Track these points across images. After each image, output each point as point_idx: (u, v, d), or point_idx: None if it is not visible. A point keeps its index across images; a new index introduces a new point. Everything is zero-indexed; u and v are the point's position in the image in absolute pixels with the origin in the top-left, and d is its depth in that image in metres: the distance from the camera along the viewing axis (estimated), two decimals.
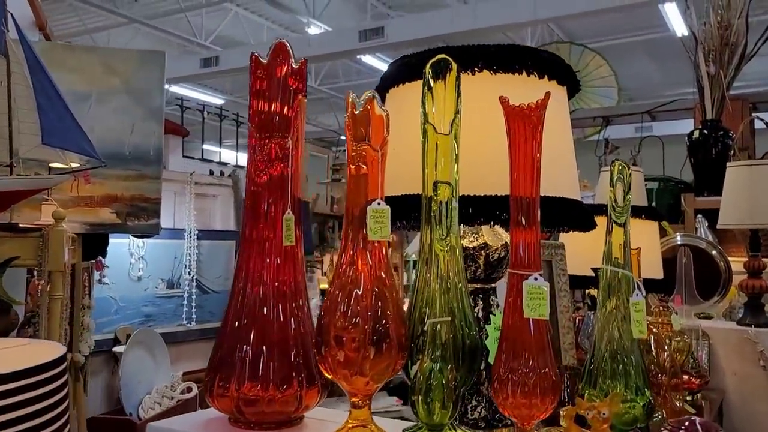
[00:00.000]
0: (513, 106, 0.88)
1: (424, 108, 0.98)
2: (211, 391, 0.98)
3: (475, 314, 1.31)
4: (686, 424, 0.83)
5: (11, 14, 1.95)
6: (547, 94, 0.89)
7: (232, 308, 1.01)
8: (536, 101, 0.88)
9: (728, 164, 2.93)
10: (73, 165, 2.12)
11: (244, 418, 0.98)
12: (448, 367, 0.88)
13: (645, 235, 2.58)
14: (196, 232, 3.29)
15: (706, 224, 3.49)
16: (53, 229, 2.01)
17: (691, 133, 3.90)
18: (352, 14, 7.93)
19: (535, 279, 0.86)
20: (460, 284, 0.99)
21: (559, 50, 4.94)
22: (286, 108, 1.03)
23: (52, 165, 2.21)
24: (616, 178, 0.87)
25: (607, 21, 6.60)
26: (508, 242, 1.34)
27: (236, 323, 1.00)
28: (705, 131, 3.81)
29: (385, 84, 1.33)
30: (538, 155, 0.88)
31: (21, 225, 2.04)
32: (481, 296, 1.33)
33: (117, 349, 2.70)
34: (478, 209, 1.16)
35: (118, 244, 2.91)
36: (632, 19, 7.04)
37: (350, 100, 0.94)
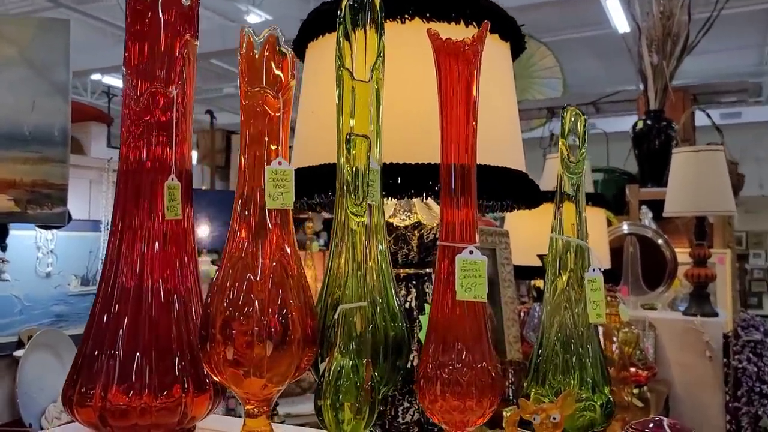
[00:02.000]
0: (444, 39, 0.71)
1: (339, 51, 0.80)
2: (70, 400, 0.78)
3: (407, 302, 1.15)
4: (651, 425, 0.68)
5: None
6: (485, 25, 0.72)
7: (99, 302, 0.81)
8: (472, 36, 0.71)
9: (674, 150, 2.87)
10: None
11: None
12: (364, 363, 0.70)
13: (592, 223, 2.47)
14: None
15: (651, 215, 3.43)
16: None
17: (635, 123, 3.86)
18: (295, 3, 7.69)
19: (471, 252, 0.69)
20: (383, 265, 0.82)
21: None
22: (169, 49, 0.83)
23: None
24: (568, 127, 0.70)
25: (549, 16, 6.58)
26: None
27: (103, 318, 0.80)
28: (648, 122, 3.77)
29: (303, 37, 1.14)
30: (474, 100, 0.71)
31: None
32: (414, 282, 1.17)
33: (18, 353, 2.43)
34: (409, 179, 0.99)
35: (22, 237, 2.61)
36: (574, 15, 7.05)
37: (245, 35, 0.76)
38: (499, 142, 1.14)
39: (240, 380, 0.72)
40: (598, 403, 0.68)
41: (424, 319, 0.96)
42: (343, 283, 0.73)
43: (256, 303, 0.72)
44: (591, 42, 7.87)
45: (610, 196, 3.93)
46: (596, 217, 2.51)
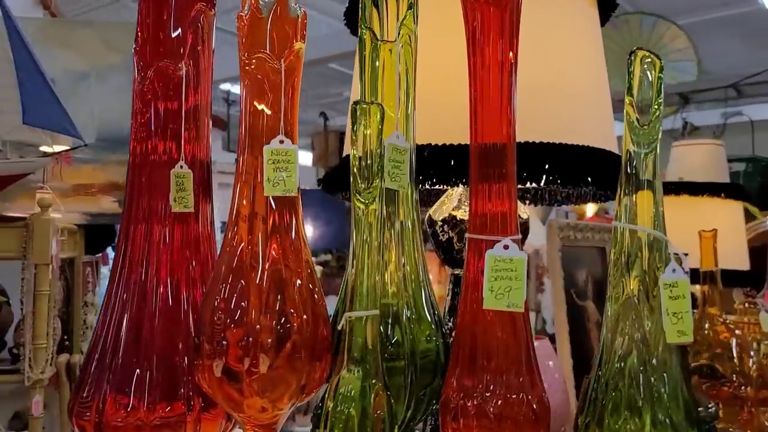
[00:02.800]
0: None
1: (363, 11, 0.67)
2: (71, 411, 0.70)
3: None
4: None
5: None
6: None
7: (105, 304, 0.74)
8: None
9: None
10: (59, 147, 1.93)
11: None
12: (374, 385, 0.56)
13: (725, 217, 2.15)
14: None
15: None
16: (38, 219, 1.82)
17: None
18: None
19: (506, 248, 0.53)
20: (414, 266, 0.67)
21: (628, 22, 4.44)
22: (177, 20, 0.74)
23: (43, 148, 2.04)
24: (638, 73, 0.50)
25: None
26: (520, 213, 1.01)
27: (106, 321, 0.72)
28: None
29: None
30: (511, 58, 0.55)
31: (3, 214, 1.86)
32: None
33: None
34: (459, 162, 0.83)
35: None
36: None
37: None
38: (583, 118, 0.95)
39: (235, 400, 0.61)
40: None
41: None
42: (357, 285, 0.60)
43: (250, 308, 0.60)
44: (732, 21, 7.11)
45: (754, 188, 3.48)
46: (731, 211, 2.19)
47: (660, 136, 0.51)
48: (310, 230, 3.27)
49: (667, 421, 0.50)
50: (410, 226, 0.67)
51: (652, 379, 0.51)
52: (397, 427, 0.57)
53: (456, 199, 1.02)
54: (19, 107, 1.87)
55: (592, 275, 1.75)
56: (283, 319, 0.60)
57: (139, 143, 0.75)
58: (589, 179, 0.84)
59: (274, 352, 0.60)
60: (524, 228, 1.03)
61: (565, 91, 0.88)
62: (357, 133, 0.58)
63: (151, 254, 0.73)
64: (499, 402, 0.52)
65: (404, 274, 0.66)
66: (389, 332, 0.62)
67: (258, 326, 0.60)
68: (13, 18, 1.94)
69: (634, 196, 0.54)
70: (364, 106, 0.59)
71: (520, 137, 0.79)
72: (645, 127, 0.51)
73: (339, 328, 0.58)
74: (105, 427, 0.67)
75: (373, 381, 0.57)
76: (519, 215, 0.88)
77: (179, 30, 0.74)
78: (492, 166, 0.56)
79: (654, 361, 0.51)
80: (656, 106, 0.51)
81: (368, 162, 0.58)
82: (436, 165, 0.84)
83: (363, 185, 0.58)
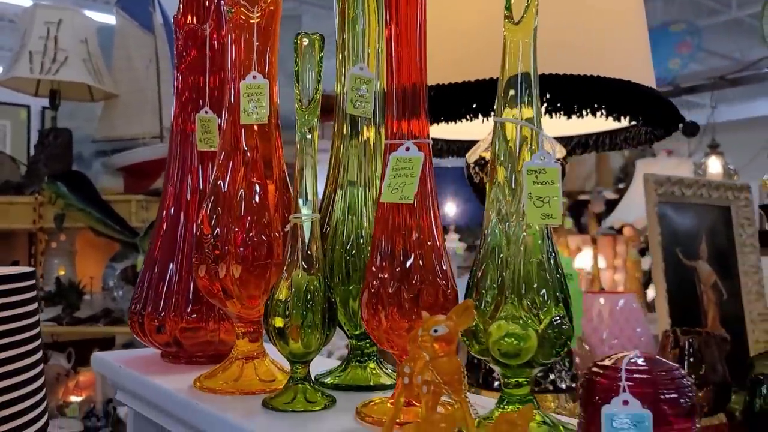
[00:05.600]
0: None
1: None
2: (141, 325, 0.86)
3: None
4: (615, 360, 0.50)
5: None
6: None
7: (160, 232, 0.89)
8: None
9: None
10: None
11: (182, 352, 0.86)
12: (315, 279, 0.65)
13: None
14: None
15: None
16: None
17: None
18: None
19: (407, 149, 0.58)
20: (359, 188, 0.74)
21: None
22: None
23: None
24: None
25: None
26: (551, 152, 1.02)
27: (165, 246, 0.87)
28: None
29: None
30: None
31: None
32: None
33: None
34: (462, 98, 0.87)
35: None
36: None
37: None
38: (614, 48, 0.93)
39: (222, 301, 0.73)
40: (532, 327, 0.50)
41: None
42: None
43: (222, 224, 0.71)
44: None
45: None
46: None
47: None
48: (453, 207, 3.34)
49: (522, 293, 0.52)
50: (372, 147, 0.74)
51: (508, 259, 0.53)
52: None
53: (487, 142, 1.05)
54: None
55: (708, 235, 1.63)
56: (251, 233, 0.71)
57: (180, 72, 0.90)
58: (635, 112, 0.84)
59: (247, 261, 0.70)
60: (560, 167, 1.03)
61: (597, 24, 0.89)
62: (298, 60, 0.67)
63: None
64: (411, 288, 0.57)
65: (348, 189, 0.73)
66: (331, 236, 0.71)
67: (230, 238, 0.71)
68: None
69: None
70: (303, 36, 0.67)
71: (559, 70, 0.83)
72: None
73: (285, 229, 0.67)
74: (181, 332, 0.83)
75: (317, 275, 0.65)
76: (553, 153, 0.91)
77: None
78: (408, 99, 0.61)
79: (513, 239, 0.53)
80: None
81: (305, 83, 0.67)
82: (443, 103, 0.89)
83: (302, 108, 0.67)
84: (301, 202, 0.67)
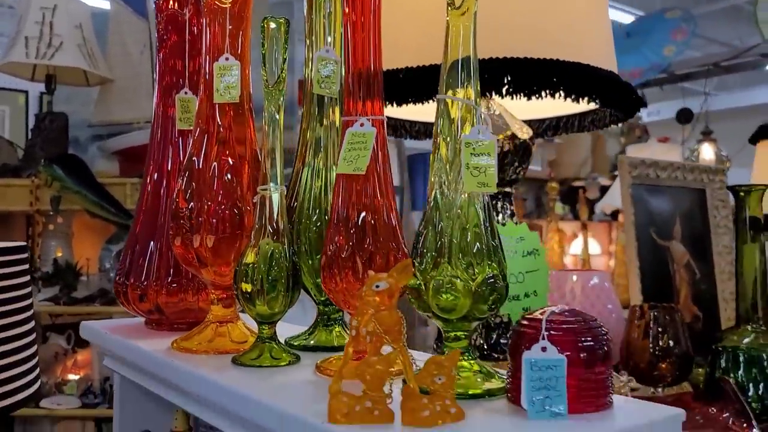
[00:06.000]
0: None
1: None
2: (125, 294, 0.92)
3: None
4: (542, 312, 0.55)
5: None
6: None
7: (142, 207, 0.95)
8: None
9: None
10: None
11: (165, 319, 0.91)
12: (279, 246, 0.70)
13: None
14: None
15: None
16: None
17: None
18: None
19: (361, 125, 0.64)
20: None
21: None
22: None
23: None
24: None
25: None
26: (516, 132, 1.07)
27: (147, 221, 0.93)
28: None
29: None
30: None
31: None
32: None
33: None
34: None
35: None
36: None
37: None
38: (575, 35, 0.98)
39: (197, 269, 0.79)
40: (462, 281, 0.55)
41: None
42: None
43: (196, 197, 0.77)
44: None
45: None
46: None
47: None
48: None
49: (459, 258, 0.57)
50: (338, 128, 0.79)
51: (443, 222, 0.58)
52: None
53: None
54: None
55: (682, 216, 1.68)
56: (224, 206, 0.76)
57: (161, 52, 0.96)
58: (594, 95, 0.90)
59: (216, 231, 0.76)
60: (525, 147, 1.09)
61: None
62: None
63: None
64: (364, 252, 0.63)
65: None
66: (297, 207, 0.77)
67: (202, 210, 0.76)
68: None
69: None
70: (269, 19, 0.72)
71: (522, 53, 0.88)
72: None
73: (254, 200, 0.73)
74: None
75: (282, 242, 0.71)
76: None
77: None
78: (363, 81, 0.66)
79: (450, 202, 0.59)
80: None
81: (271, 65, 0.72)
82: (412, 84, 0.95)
83: (269, 87, 0.72)
84: (269, 177, 0.72)
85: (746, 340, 1.30)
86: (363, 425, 0.49)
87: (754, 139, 2.11)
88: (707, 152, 4.75)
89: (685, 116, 5.11)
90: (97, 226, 2.53)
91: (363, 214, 0.64)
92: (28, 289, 0.98)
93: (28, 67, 2.54)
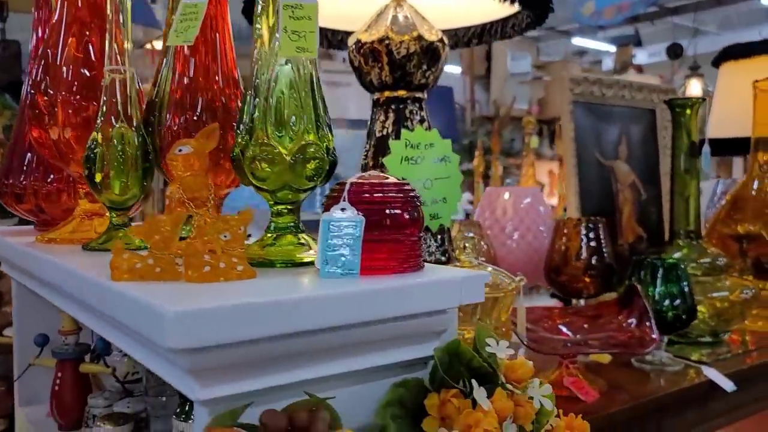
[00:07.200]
0: None
1: None
2: (6, 195, 0.90)
3: (384, 129, 1.05)
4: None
5: None
6: None
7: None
8: None
9: None
10: None
11: (52, 221, 0.90)
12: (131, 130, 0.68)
13: None
14: None
15: None
16: None
17: None
18: None
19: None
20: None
21: None
22: None
23: None
24: None
25: None
26: (423, 33, 1.04)
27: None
28: None
29: None
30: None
31: None
32: (393, 107, 1.06)
33: None
34: None
35: None
36: None
37: None
38: None
39: (58, 159, 0.77)
40: (279, 153, 0.53)
41: (393, 145, 0.87)
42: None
43: (52, 88, 0.74)
44: None
45: None
46: None
47: None
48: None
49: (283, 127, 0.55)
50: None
51: (260, 93, 0.56)
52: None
53: (366, 25, 1.06)
54: None
55: (629, 135, 1.65)
56: (77, 98, 0.74)
57: None
58: None
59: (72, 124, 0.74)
60: (433, 50, 1.05)
61: None
62: None
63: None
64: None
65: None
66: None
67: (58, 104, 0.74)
68: None
69: None
70: None
71: None
72: None
73: (103, 83, 0.70)
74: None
75: (131, 127, 0.68)
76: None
77: None
78: None
79: (270, 77, 0.56)
80: None
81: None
82: None
83: None
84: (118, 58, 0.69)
85: (677, 254, 1.29)
86: (146, 282, 0.48)
87: (716, 62, 2.05)
88: (695, 88, 4.67)
89: (675, 51, 5.00)
90: None
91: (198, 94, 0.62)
92: None
93: None
